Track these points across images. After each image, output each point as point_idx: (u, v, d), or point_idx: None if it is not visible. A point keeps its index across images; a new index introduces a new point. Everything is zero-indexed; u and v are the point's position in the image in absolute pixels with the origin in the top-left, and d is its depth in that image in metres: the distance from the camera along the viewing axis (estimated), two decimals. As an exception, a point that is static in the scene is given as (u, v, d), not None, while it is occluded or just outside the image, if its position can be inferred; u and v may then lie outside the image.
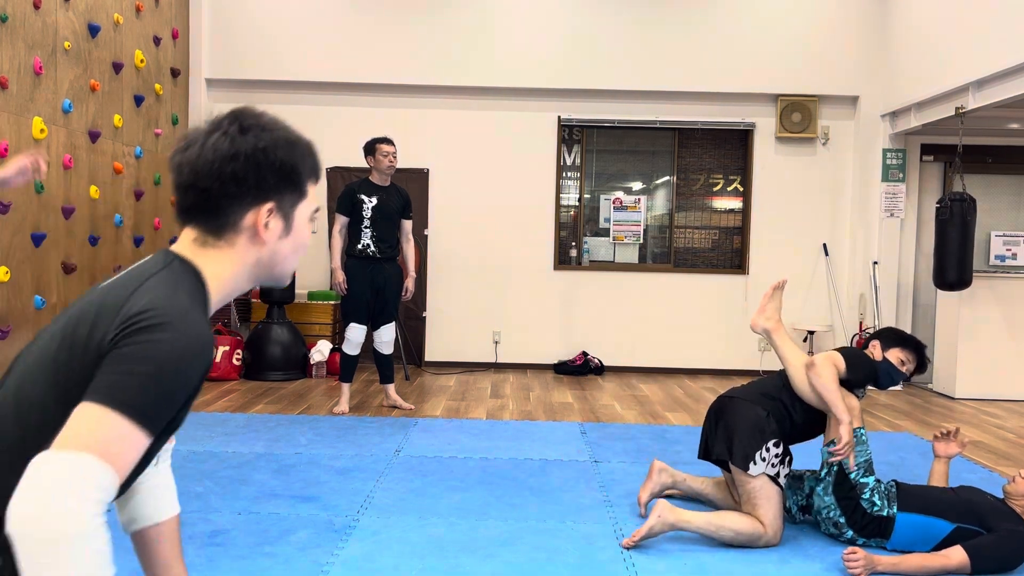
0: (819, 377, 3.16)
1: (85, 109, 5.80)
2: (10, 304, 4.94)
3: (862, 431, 3.19)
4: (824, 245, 7.89)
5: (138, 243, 6.61)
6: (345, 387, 5.64)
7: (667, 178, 8.05)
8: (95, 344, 1.21)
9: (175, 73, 7.25)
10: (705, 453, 3.39)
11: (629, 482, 4.09)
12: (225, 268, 1.38)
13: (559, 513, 3.57)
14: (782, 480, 3.20)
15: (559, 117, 7.87)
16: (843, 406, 3.13)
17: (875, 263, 7.62)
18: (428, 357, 7.90)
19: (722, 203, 8.06)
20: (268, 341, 6.86)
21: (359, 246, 5.53)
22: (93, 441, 1.11)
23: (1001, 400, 6.82)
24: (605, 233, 8.03)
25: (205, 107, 7.69)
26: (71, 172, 5.63)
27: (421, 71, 7.69)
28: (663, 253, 8.08)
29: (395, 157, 5.58)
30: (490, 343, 7.90)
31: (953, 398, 6.90)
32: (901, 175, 7.65)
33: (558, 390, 6.81)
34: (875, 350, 3.44)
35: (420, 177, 7.88)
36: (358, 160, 7.85)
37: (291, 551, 3.04)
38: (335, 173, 7.87)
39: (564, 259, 8.00)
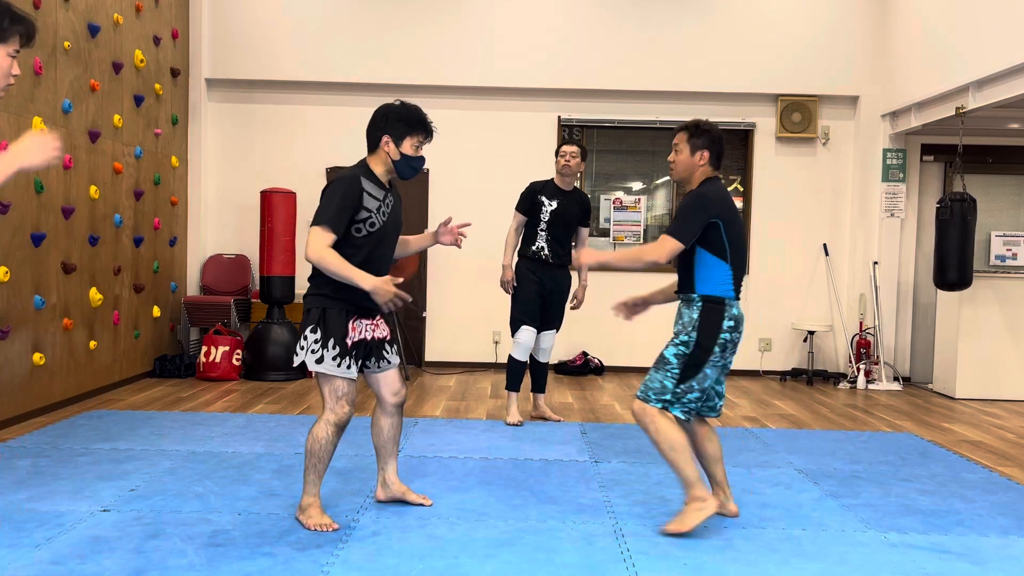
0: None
1: (85, 109, 5.80)
2: (10, 304, 4.94)
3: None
4: (824, 245, 7.89)
5: (138, 243, 6.60)
6: (513, 396, 5.36)
7: (667, 178, 8.05)
8: None
9: (175, 73, 7.25)
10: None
11: (629, 482, 4.09)
12: None
13: (559, 513, 3.57)
14: (333, 362, 3.19)
15: (559, 117, 7.87)
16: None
17: (875, 263, 7.62)
18: (428, 357, 7.90)
19: (722, 203, 8.05)
20: (268, 341, 6.85)
21: (533, 248, 5.36)
22: None
23: (1001, 400, 6.82)
24: (605, 233, 8.02)
25: (205, 107, 7.69)
26: (71, 172, 5.62)
27: (421, 71, 7.69)
28: (663, 253, 8.06)
29: (573, 158, 5.30)
30: (490, 343, 7.90)
31: (953, 398, 6.90)
32: (901, 175, 7.65)
33: (558, 390, 6.81)
34: (388, 147, 3.46)
35: (420, 177, 7.86)
36: (357, 160, 7.85)
37: (291, 551, 3.04)
38: (335, 173, 7.87)
39: (564, 259, 7.99)
